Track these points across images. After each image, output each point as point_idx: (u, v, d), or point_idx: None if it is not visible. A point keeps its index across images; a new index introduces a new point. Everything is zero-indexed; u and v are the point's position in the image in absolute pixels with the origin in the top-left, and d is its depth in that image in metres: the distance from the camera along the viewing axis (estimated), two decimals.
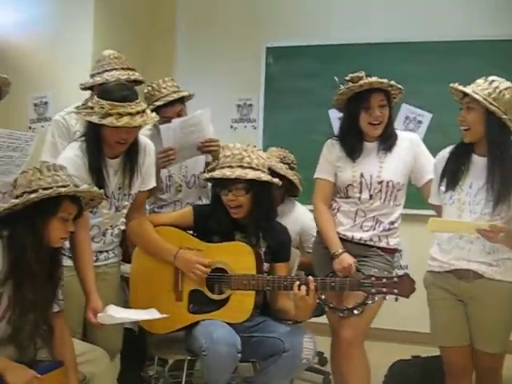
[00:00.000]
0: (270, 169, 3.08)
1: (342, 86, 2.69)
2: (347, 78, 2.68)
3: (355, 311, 2.45)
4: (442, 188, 2.49)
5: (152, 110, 2.99)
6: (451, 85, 2.46)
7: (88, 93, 3.04)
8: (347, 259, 2.63)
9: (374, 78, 2.63)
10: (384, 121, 2.68)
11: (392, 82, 2.67)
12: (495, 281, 2.38)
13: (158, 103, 3.00)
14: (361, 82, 2.62)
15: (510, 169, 2.37)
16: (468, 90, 2.38)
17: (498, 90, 2.35)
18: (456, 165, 2.47)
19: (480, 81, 2.41)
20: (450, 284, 2.45)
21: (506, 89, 2.36)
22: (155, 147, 2.81)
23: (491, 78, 2.40)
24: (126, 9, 4.65)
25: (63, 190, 2.08)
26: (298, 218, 3.38)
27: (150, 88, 3.06)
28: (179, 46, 5.04)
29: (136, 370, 3.15)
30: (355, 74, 2.65)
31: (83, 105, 2.60)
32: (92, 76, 3.02)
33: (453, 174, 2.46)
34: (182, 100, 3.09)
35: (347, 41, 4.58)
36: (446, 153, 2.55)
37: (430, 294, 2.53)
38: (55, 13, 4.33)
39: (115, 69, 2.96)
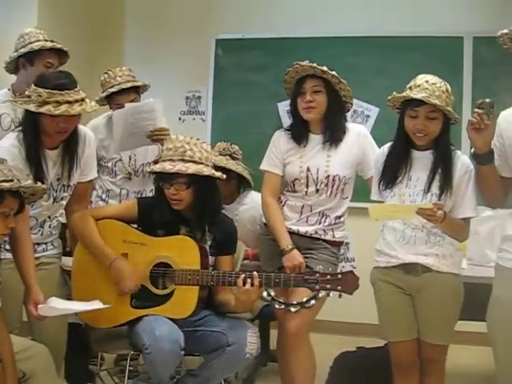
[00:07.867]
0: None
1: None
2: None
3: (308, 305, 2.39)
4: (383, 184, 2.49)
5: (106, 97, 3.07)
6: (412, 95, 2.35)
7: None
8: (298, 257, 2.63)
9: (306, 62, 2.63)
10: (319, 107, 2.66)
11: (324, 68, 2.62)
12: (442, 273, 2.40)
13: (111, 90, 3.04)
14: (294, 66, 2.64)
15: (451, 161, 2.41)
16: (436, 101, 2.30)
17: (442, 90, 2.35)
18: (396, 161, 2.46)
19: (426, 84, 2.35)
20: (397, 278, 2.45)
21: (446, 88, 2.37)
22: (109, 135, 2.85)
23: (428, 78, 2.39)
24: (71, 7, 4.48)
25: (7, 185, 2.01)
26: (255, 205, 3.34)
27: (106, 75, 3.11)
28: (128, 38, 4.96)
29: (82, 364, 3.07)
30: (297, 62, 2.66)
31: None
32: (16, 51, 2.79)
33: (392, 170, 2.46)
34: (136, 90, 3.13)
35: (296, 34, 4.58)
36: (385, 149, 2.54)
37: (377, 289, 2.52)
38: None
39: (39, 40, 2.76)
